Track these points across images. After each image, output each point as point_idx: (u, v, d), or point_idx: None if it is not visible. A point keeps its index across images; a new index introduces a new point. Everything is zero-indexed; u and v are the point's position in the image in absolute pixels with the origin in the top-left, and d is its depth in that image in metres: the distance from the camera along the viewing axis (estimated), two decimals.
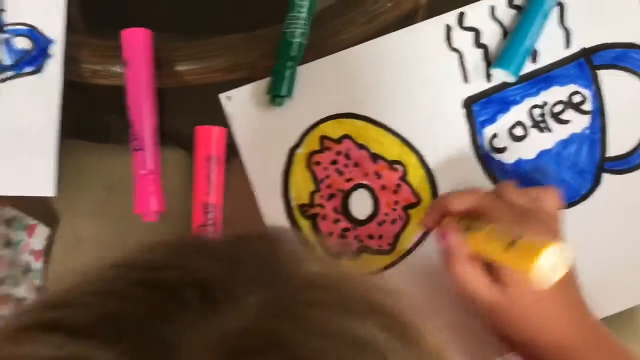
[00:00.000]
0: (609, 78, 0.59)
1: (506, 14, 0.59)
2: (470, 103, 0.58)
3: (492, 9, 0.59)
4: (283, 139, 0.58)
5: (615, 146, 0.58)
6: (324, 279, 0.30)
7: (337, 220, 0.58)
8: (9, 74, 0.57)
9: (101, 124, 0.74)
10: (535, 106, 0.58)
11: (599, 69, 0.59)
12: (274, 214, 0.57)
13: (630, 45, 0.59)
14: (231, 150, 0.58)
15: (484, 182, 0.58)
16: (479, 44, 0.58)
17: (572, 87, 0.58)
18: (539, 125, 0.58)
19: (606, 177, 0.58)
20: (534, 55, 0.58)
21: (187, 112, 0.63)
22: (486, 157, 0.58)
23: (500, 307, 0.49)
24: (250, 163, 0.57)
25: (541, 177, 0.58)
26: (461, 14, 0.59)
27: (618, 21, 0.59)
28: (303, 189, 0.57)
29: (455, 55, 0.58)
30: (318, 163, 0.58)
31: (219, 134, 0.55)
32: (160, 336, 0.25)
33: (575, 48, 0.59)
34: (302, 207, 0.57)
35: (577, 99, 0.58)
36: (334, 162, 0.58)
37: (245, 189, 0.57)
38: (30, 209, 0.67)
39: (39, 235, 0.67)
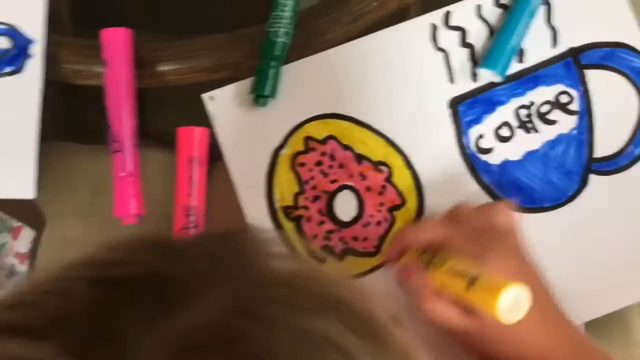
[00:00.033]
0: (596, 78, 0.58)
1: (492, 13, 0.58)
2: (456, 103, 0.58)
3: (479, 7, 0.58)
4: (267, 139, 0.57)
5: (603, 147, 0.58)
6: (286, 276, 0.29)
7: (321, 222, 0.57)
8: None
9: (89, 124, 0.73)
10: (521, 106, 0.58)
11: (586, 69, 0.58)
12: (257, 216, 0.56)
13: (618, 45, 0.58)
14: (217, 153, 0.57)
15: (469, 183, 0.57)
16: (465, 44, 0.58)
17: (559, 87, 0.58)
18: (526, 125, 0.58)
19: (593, 178, 0.58)
20: (520, 55, 0.58)
21: (172, 112, 0.62)
22: (472, 158, 0.57)
23: (477, 334, 0.48)
24: (234, 164, 0.57)
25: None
26: (447, 13, 0.58)
27: (605, 20, 0.58)
28: (287, 191, 0.57)
29: (441, 54, 0.58)
30: (302, 164, 0.57)
31: (202, 135, 0.55)
32: (110, 335, 0.25)
33: (562, 47, 0.58)
34: (286, 209, 0.57)
35: (564, 99, 0.58)
36: (319, 163, 0.57)
37: (232, 192, 0.56)
38: (16, 211, 0.66)
39: (24, 238, 0.66)
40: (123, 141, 0.52)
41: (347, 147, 0.57)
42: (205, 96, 0.57)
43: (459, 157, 0.57)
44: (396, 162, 0.57)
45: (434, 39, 0.58)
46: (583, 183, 0.58)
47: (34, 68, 0.56)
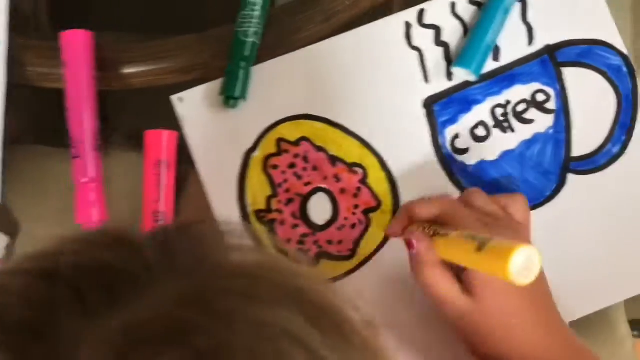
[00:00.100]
0: (573, 76, 0.57)
1: (467, 11, 0.57)
2: (431, 103, 0.56)
3: (453, 5, 0.57)
4: (238, 141, 0.56)
5: (580, 146, 0.57)
6: (245, 268, 0.29)
7: (295, 226, 0.56)
8: None
9: (63, 127, 0.72)
10: (497, 105, 0.57)
11: (563, 67, 0.57)
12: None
13: (595, 42, 0.57)
14: (191, 158, 0.56)
15: (445, 184, 0.56)
16: (439, 42, 0.57)
17: (536, 86, 0.57)
18: (502, 125, 0.57)
19: (571, 178, 0.57)
20: (496, 53, 0.57)
21: (142, 114, 0.61)
22: (448, 159, 0.56)
23: (470, 317, 0.47)
24: (204, 167, 0.55)
25: (508, 184, 0.56)
26: (421, 11, 0.57)
27: (582, 17, 0.58)
28: (259, 194, 0.55)
29: (415, 53, 0.57)
30: (275, 167, 0.56)
31: (170, 138, 0.53)
32: (46, 329, 0.24)
33: (538, 45, 0.57)
34: (259, 213, 0.55)
35: (540, 97, 0.57)
36: (292, 166, 0.56)
37: (206, 199, 0.55)
38: None
39: None
40: (83, 145, 0.50)
41: (320, 149, 0.56)
42: (175, 98, 0.56)
43: (434, 157, 0.56)
44: (371, 163, 0.56)
45: (408, 37, 0.57)
46: (561, 183, 0.57)
47: None
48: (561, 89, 0.57)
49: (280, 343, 0.25)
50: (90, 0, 0.62)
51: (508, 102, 0.57)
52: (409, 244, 0.49)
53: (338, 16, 0.58)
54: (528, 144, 0.57)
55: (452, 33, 0.57)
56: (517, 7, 0.57)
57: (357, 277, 0.55)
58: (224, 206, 0.55)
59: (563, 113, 0.57)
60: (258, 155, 0.56)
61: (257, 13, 0.54)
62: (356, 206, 0.56)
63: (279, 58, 0.56)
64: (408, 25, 0.57)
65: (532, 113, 0.57)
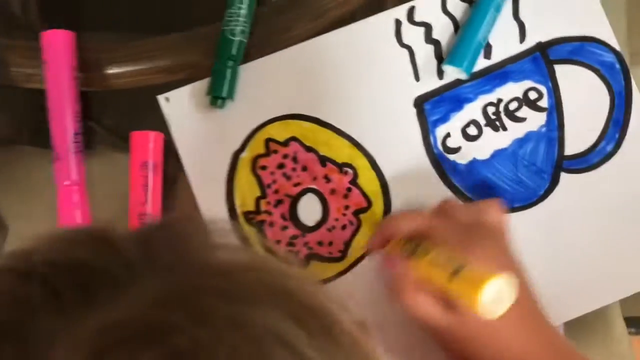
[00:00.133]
0: (565, 73, 0.56)
1: (458, 8, 0.56)
2: (421, 102, 0.56)
3: (444, 2, 0.56)
4: (226, 142, 0.55)
5: (574, 144, 0.56)
6: (229, 266, 0.28)
7: (285, 227, 0.55)
8: None
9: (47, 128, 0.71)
10: (489, 104, 0.56)
11: (555, 64, 0.56)
12: None
13: (588, 39, 0.57)
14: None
15: (437, 184, 0.55)
16: (430, 40, 0.56)
17: (528, 83, 0.56)
18: (494, 123, 0.56)
19: (565, 177, 0.56)
20: (487, 51, 0.56)
21: (129, 115, 0.60)
22: (439, 158, 0.55)
23: (455, 332, 0.47)
24: (191, 169, 0.54)
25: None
26: (411, 8, 0.56)
27: (574, 13, 0.57)
28: (248, 196, 0.55)
29: (405, 51, 0.56)
30: (264, 167, 0.55)
31: (156, 139, 0.52)
32: (19, 329, 0.24)
33: (530, 42, 0.56)
34: (248, 215, 0.55)
35: (533, 95, 0.56)
36: (281, 166, 0.55)
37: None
38: None
39: None
40: (64, 147, 0.49)
41: (310, 149, 0.55)
42: (161, 98, 0.55)
43: (425, 157, 0.55)
44: (361, 163, 0.55)
45: (398, 35, 0.56)
46: (554, 182, 0.56)
47: None
48: (553, 87, 0.56)
49: (264, 343, 0.25)
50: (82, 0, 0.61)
51: (500, 101, 0.56)
52: (388, 264, 0.49)
53: (328, 14, 0.57)
54: (520, 142, 0.56)
55: (443, 30, 0.56)
56: (508, 4, 0.56)
57: (348, 279, 0.55)
58: (212, 208, 0.54)
59: (556, 111, 0.56)
60: (246, 156, 0.55)
61: (243, 11, 0.53)
62: (346, 207, 0.55)
63: (268, 57, 0.55)
64: (398, 23, 0.56)
65: (525, 111, 0.56)
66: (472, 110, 0.56)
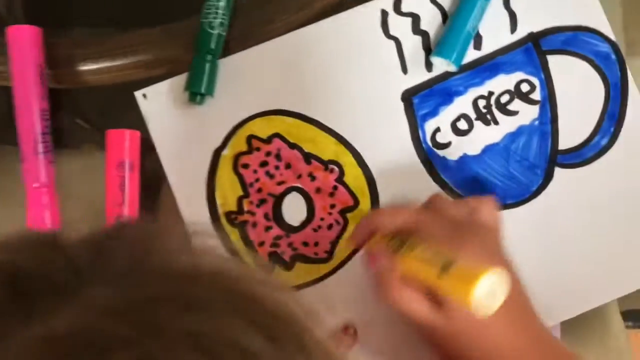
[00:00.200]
0: (558, 64, 0.54)
1: None
2: (409, 96, 0.53)
3: None
4: (206, 139, 0.52)
5: (567, 138, 0.54)
6: (186, 272, 0.26)
7: (268, 228, 0.53)
8: None
9: None
10: (480, 97, 0.54)
11: (547, 55, 0.54)
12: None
13: (581, 28, 0.55)
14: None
15: (426, 181, 0.53)
16: (417, 31, 0.54)
17: (520, 75, 0.54)
18: (485, 117, 0.54)
19: (558, 172, 0.54)
20: (477, 42, 0.54)
21: (110, 112, 0.58)
22: (429, 154, 0.53)
23: (443, 328, 0.45)
24: (170, 167, 0.52)
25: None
26: None
27: (567, 2, 0.55)
28: (230, 195, 0.52)
29: (392, 43, 0.54)
30: (246, 166, 0.53)
31: (133, 138, 0.50)
32: None
33: (521, 33, 0.54)
34: (230, 215, 0.52)
35: (525, 87, 0.54)
36: (264, 164, 0.53)
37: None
38: None
39: None
40: (31, 147, 0.47)
41: (294, 146, 0.53)
42: (138, 94, 0.52)
43: (414, 153, 0.53)
44: (347, 160, 0.53)
45: (385, 25, 0.54)
46: (547, 177, 0.54)
47: None
48: (546, 79, 0.54)
49: (220, 354, 0.23)
50: None
51: (491, 93, 0.54)
52: (372, 260, 0.47)
53: (312, 5, 0.55)
54: (513, 136, 0.54)
55: (431, 21, 0.54)
56: None
57: (334, 280, 0.53)
58: (193, 208, 0.52)
59: (549, 104, 0.54)
60: (227, 153, 0.53)
61: (222, 3, 0.51)
62: (332, 206, 0.53)
63: (249, 50, 0.53)
64: (384, 13, 0.54)
65: (517, 104, 0.54)
66: (462, 104, 0.54)
